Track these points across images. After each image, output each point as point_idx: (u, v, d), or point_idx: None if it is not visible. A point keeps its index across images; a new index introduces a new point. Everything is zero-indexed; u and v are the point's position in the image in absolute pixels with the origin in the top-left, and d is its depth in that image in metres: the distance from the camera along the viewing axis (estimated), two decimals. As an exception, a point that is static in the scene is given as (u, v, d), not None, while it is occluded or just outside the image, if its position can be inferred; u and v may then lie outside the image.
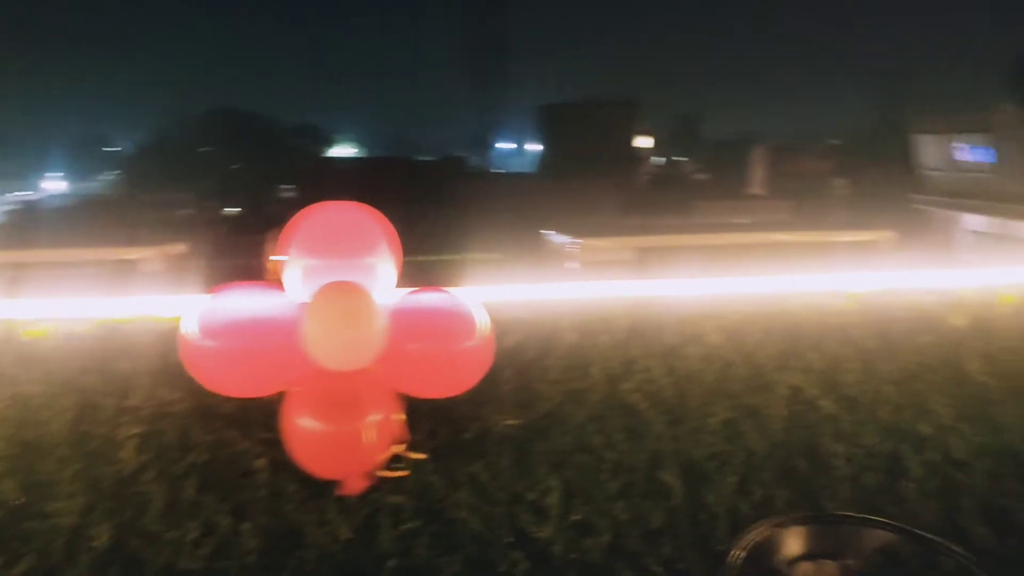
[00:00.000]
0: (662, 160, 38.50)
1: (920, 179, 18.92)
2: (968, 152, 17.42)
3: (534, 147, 39.31)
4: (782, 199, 21.20)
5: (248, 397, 3.91)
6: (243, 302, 3.60)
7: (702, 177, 32.76)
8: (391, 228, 3.70)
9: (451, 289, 3.95)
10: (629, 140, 31.64)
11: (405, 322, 3.56)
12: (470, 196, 16.38)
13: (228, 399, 4.06)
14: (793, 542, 2.74)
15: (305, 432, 3.47)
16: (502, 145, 45.53)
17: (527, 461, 4.00)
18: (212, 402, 4.14)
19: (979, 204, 16.10)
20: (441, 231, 11.92)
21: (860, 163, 25.77)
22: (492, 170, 36.82)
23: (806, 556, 2.70)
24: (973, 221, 16.25)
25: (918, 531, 2.90)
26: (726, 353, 4.77)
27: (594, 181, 20.10)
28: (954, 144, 17.82)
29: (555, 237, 12.16)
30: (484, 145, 43.32)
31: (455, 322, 3.63)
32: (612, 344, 4.77)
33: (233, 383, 3.66)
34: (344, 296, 3.35)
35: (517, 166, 39.22)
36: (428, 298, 3.74)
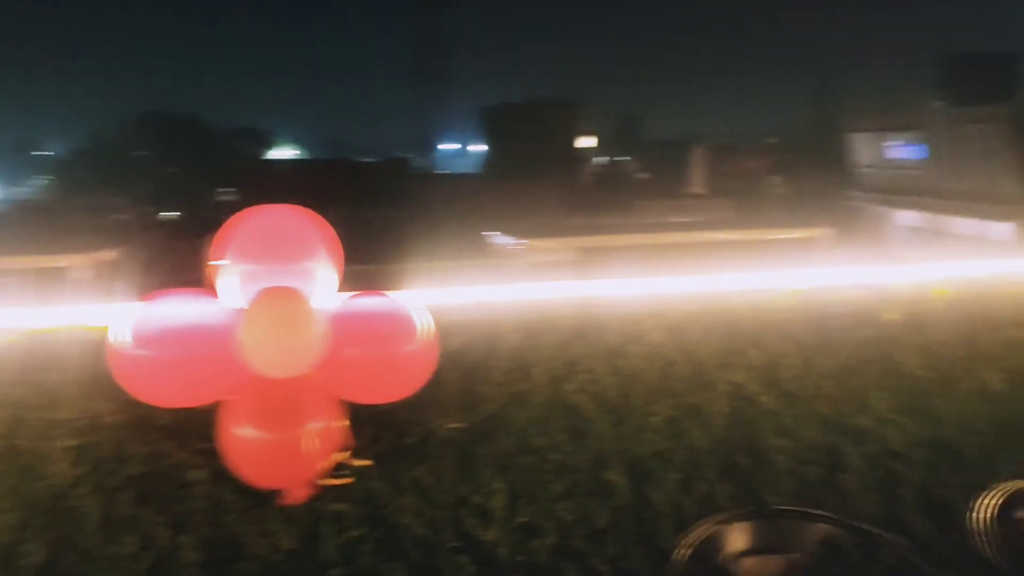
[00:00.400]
0: (605, 160, 38.77)
1: (854, 176, 19.37)
2: (900, 149, 17.89)
3: (478, 148, 39.31)
4: (722, 198, 21.54)
5: (184, 407, 3.81)
6: (177, 309, 3.50)
7: (644, 177, 33.07)
8: (330, 231, 3.65)
9: (392, 293, 3.91)
10: (572, 140, 31.84)
11: (345, 327, 3.50)
12: (413, 198, 16.32)
13: (164, 410, 3.96)
14: (737, 538, 2.77)
15: (244, 441, 3.39)
16: (446, 146, 45.41)
17: (471, 464, 3.98)
18: (147, 413, 4.03)
19: (911, 200, 16.54)
20: (384, 234, 11.83)
21: (796, 161, 26.31)
22: (436, 171, 36.71)
23: (750, 551, 2.73)
24: (906, 216, 16.68)
25: (858, 523, 2.96)
26: (668, 352, 4.81)
27: (537, 182, 20.17)
28: (886, 142, 18.30)
29: (498, 238, 12.15)
30: (427, 146, 43.16)
31: (396, 326, 3.59)
32: (555, 345, 4.78)
33: (167, 393, 3.56)
34: (281, 301, 3.29)
35: (461, 167, 39.14)
36: (368, 302, 3.69)
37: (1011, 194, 14.63)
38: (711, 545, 2.79)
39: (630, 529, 3.60)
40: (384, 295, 3.81)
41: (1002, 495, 3.07)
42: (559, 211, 16.78)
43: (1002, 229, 13.87)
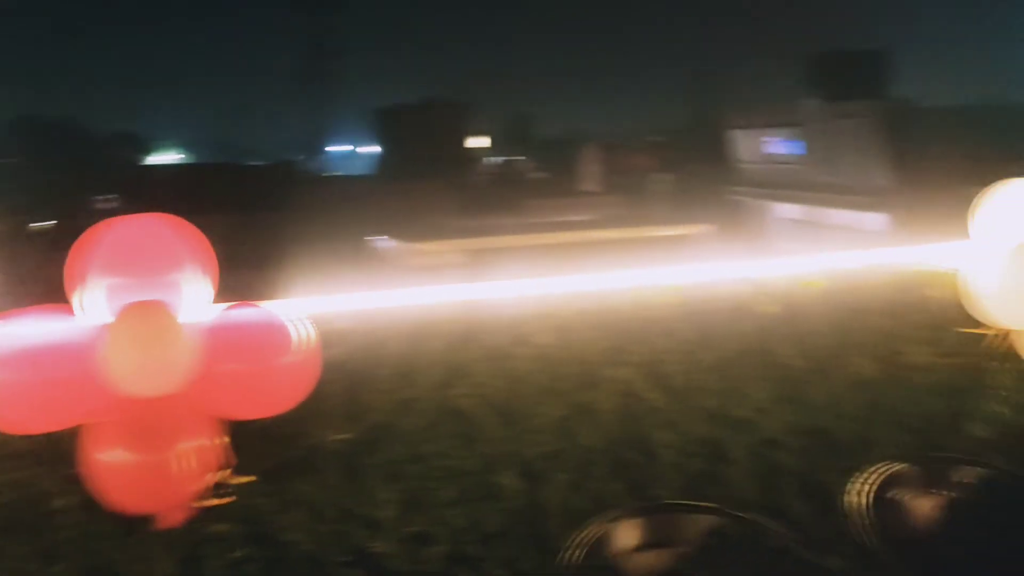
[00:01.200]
0: (499, 160, 38.83)
1: (737, 172, 19.95)
2: (778, 145, 18.52)
3: (369, 150, 38.74)
4: (614, 195, 21.84)
5: (45, 432, 3.60)
6: (35, 327, 3.29)
7: (538, 176, 33.26)
8: (203, 240, 3.50)
9: (270, 302, 3.78)
10: (464, 140, 31.68)
11: (219, 340, 3.36)
12: (301, 202, 15.94)
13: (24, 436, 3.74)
14: (626, 535, 2.79)
15: (113, 465, 3.22)
16: (337, 148, 44.64)
17: (359, 475, 3.91)
18: (5, 439, 3.80)
19: (791, 194, 17.13)
20: (267, 240, 11.50)
21: (681, 158, 26.93)
22: (326, 174, 36.01)
23: (640, 547, 2.75)
24: (786, 210, 17.28)
25: (740, 513, 3.02)
26: (556, 352, 4.84)
27: (430, 183, 20.00)
28: (766, 138, 18.92)
29: (383, 242, 11.88)
30: (318, 148, 42.31)
31: (273, 338, 3.46)
32: (442, 350, 4.74)
33: (26, 418, 3.34)
34: (147, 316, 3.13)
35: (353, 169, 38.52)
36: (244, 314, 3.55)
37: (883, 186, 15.29)
38: (601, 544, 2.80)
39: (523, 531, 3.60)
40: (261, 306, 3.68)
41: (875, 478, 3.18)
42: (452, 212, 16.66)
43: (876, 220, 14.47)
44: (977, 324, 4.93)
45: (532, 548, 3.47)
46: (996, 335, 4.92)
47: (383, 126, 31.56)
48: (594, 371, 4.77)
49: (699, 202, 16.67)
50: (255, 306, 3.65)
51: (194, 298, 3.41)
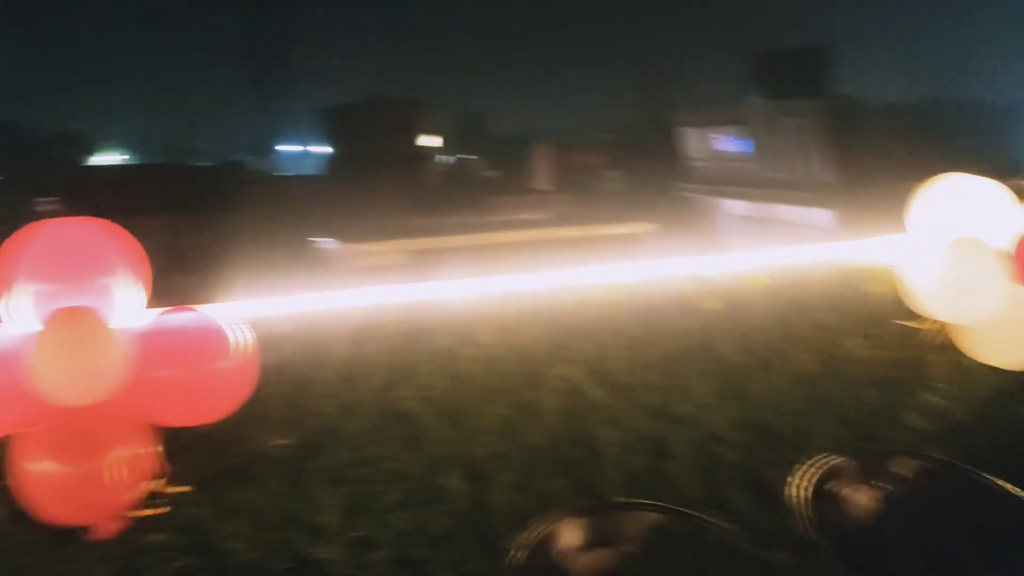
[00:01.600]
0: (450, 159, 38.69)
1: (687, 169, 20.16)
2: (727, 142, 18.77)
3: (320, 149, 38.32)
4: (564, 194, 21.90)
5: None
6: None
7: (489, 175, 33.22)
8: (134, 243, 3.41)
9: (206, 306, 3.70)
10: (416, 140, 31.49)
11: (152, 346, 3.28)
12: (249, 202, 15.71)
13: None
14: (570, 535, 2.77)
15: (41, 476, 3.12)
16: (288, 148, 44.10)
17: (302, 481, 3.85)
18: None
19: (740, 191, 17.36)
20: (211, 242, 11.31)
21: (632, 156, 27.10)
22: (275, 174, 35.54)
23: (584, 547, 2.74)
24: (736, 207, 17.51)
25: (683, 509, 3.03)
26: (500, 352, 4.82)
27: (378, 182, 19.84)
28: (715, 136, 19.15)
29: (325, 243, 11.75)
30: (268, 148, 41.75)
31: (209, 342, 3.39)
32: (386, 351, 4.70)
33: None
34: (75, 323, 3.04)
35: (304, 169, 38.08)
36: (178, 318, 3.47)
37: (828, 182, 15.55)
38: (545, 544, 2.79)
39: (469, 533, 3.58)
40: (197, 310, 3.60)
41: (814, 471, 3.22)
42: (401, 212, 16.55)
43: (822, 216, 14.71)
44: (915, 318, 5.02)
45: (478, 550, 3.46)
46: (933, 328, 5.02)
47: (332, 125, 31.24)
48: (539, 370, 4.76)
49: (650, 200, 16.80)
50: (191, 310, 3.57)
51: (126, 303, 3.33)
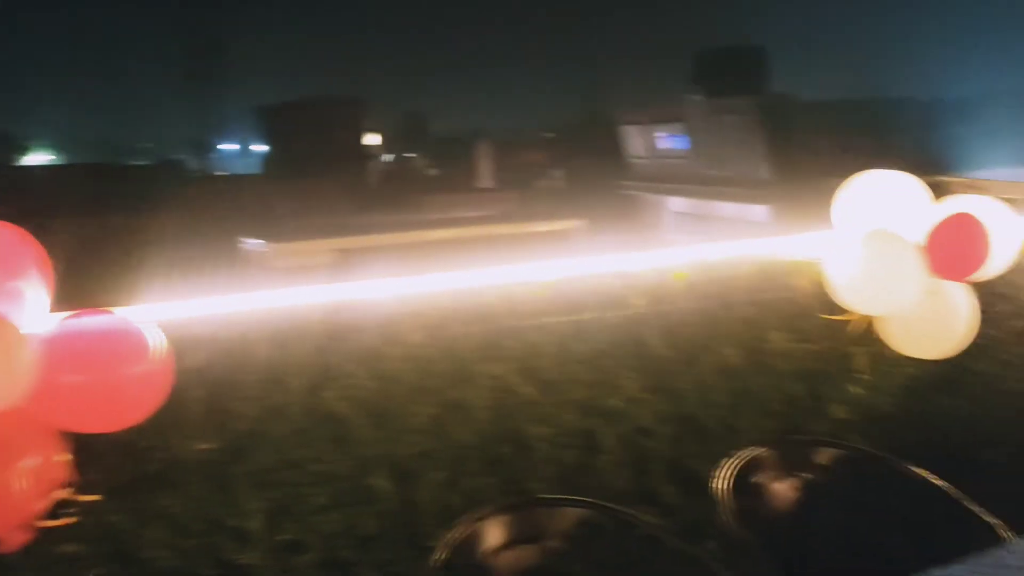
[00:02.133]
0: (390, 157, 38.49)
1: (628, 167, 20.38)
2: (667, 140, 19.03)
3: (260, 148, 37.81)
4: (503, 192, 21.96)
5: None
6: None
7: (430, 173, 33.15)
8: (38, 245, 3.31)
9: (120, 309, 3.60)
10: (356, 138, 31.24)
11: (61, 351, 3.18)
12: (182, 202, 15.45)
13: None
14: (495, 533, 2.76)
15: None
16: (229, 146, 43.44)
17: (226, 486, 3.78)
18: None
19: (680, 187, 17.60)
20: (142, 242, 11.06)
21: (573, 154, 27.29)
22: (214, 173, 34.98)
23: (509, 544, 2.73)
24: (675, 203, 17.75)
25: (609, 504, 3.03)
26: (428, 351, 4.80)
27: (314, 181, 19.62)
28: (655, 133, 19.39)
29: (251, 243, 11.60)
30: (207, 147, 41.07)
31: (121, 346, 3.29)
32: (311, 352, 4.63)
33: None
34: (-23, 329, 2.93)
35: (242, 168, 37.55)
36: (90, 322, 3.36)
37: (764, 178, 15.84)
38: (469, 544, 2.77)
39: (398, 533, 3.57)
40: (111, 312, 3.50)
41: (737, 463, 3.25)
42: (339, 211, 16.41)
43: (758, 211, 14.98)
44: (838, 311, 5.13)
45: (407, 549, 3.44)
46: (855, 321, 5.13)
47: (269, 124, 30.84)
48: (467, 367, 4.75)
49: (590, 197, 16.93)
50: (104, 313, 3.47)
51: (34, 307, 3.22)
